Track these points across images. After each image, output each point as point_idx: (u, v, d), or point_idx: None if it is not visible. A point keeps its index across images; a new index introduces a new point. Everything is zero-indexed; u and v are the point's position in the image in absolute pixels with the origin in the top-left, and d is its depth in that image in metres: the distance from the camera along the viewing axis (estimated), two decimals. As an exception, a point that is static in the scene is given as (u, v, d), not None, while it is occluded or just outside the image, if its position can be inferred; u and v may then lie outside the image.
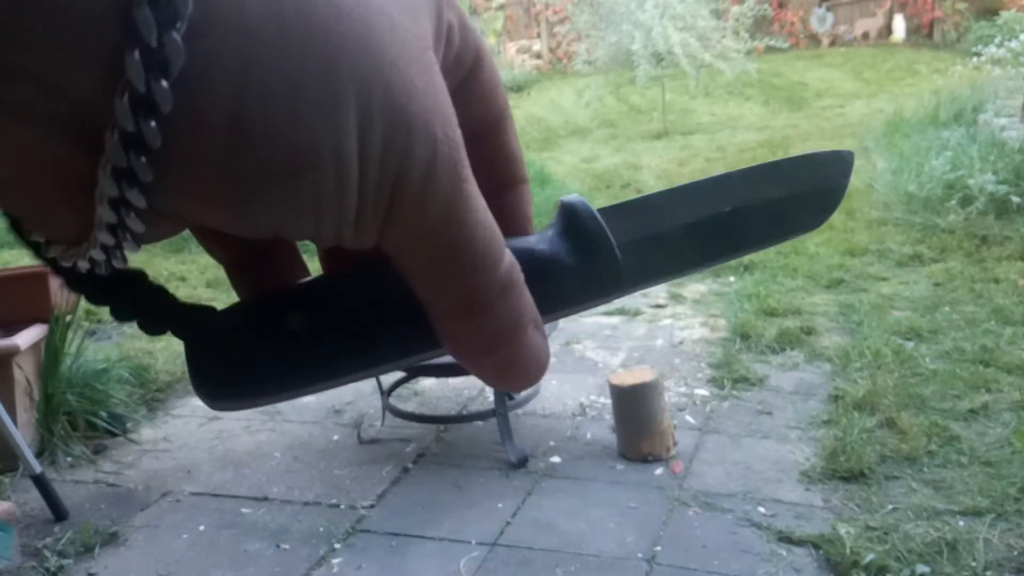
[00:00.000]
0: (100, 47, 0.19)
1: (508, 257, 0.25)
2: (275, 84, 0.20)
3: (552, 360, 3.08)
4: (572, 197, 0.30)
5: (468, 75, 0.27)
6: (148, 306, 0.25)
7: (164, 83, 0.19)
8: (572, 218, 0.29)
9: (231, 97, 0.20)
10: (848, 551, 2.25)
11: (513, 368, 0.26)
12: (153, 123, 0.20)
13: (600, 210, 0.29)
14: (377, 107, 0.22)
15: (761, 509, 2.51)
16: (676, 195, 0.32)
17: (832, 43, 13.24)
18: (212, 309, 0.26)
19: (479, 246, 0.24)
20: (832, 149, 0.35)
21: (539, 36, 14.27)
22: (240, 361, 0.25)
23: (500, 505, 2.61)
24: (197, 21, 0.19)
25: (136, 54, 0.19)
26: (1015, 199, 4.99)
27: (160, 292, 0.26)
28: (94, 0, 0.19)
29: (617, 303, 4.43)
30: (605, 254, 0.29)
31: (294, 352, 0.25)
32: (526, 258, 0.27)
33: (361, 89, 0.21)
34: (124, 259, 0.23)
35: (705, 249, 0.32)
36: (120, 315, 0.25)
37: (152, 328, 0.25)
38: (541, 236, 0.29)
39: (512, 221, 0.30)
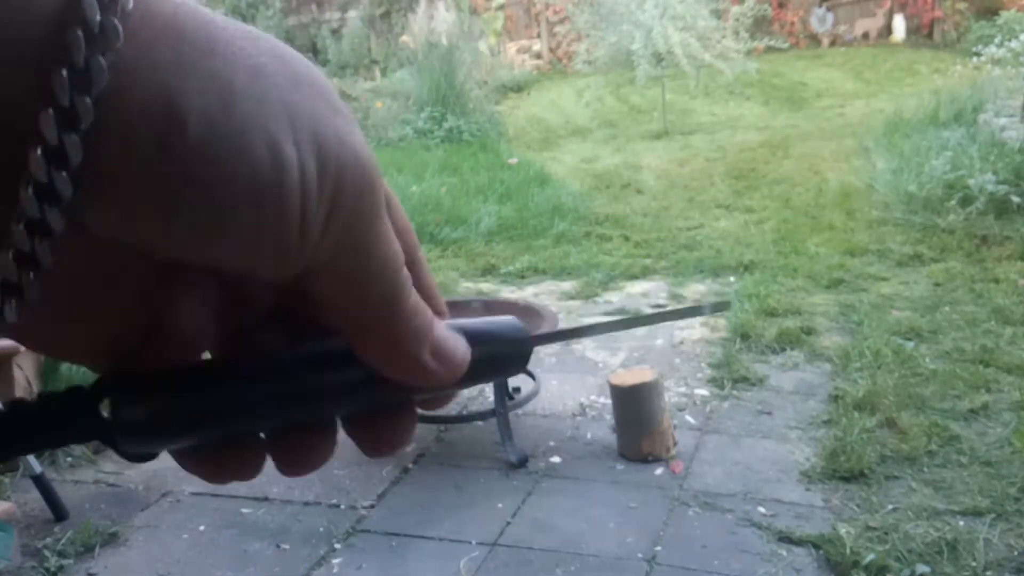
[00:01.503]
0: (26, 66, 0.20)
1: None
2: (207, 77, 0.22)
3: (552, 360, 3.05)
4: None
5: None
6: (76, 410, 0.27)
7: (88, 100, 0.20)
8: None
9: (166, 84, 0.21)
10: (848, 551, 2.25)
11: (440, 357, 0.29)
12: (75, 136, 0.20)
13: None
14: (310, 126, 0.23)
15: (761, 509, 2.51)
16: None
17: (832, 43, 13.23)
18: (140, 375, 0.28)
19: (392, 251, 0.27)
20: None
21: (539, 36, 14.26)
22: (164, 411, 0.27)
23: (500, 505, 2.61)
24: (135, 20, 0.21)
25: (64, 72, 0.20)
26: (1015, 199, 4.99)
27: (75, 390, 0.27)
28: (29, 21, 0.20)
29: (617, 303, 4.43)
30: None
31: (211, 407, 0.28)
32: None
33: (291, 109, 0.23)
34: (23, 302, 0.22)
35: None
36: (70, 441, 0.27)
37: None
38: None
39: None
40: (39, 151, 0.20)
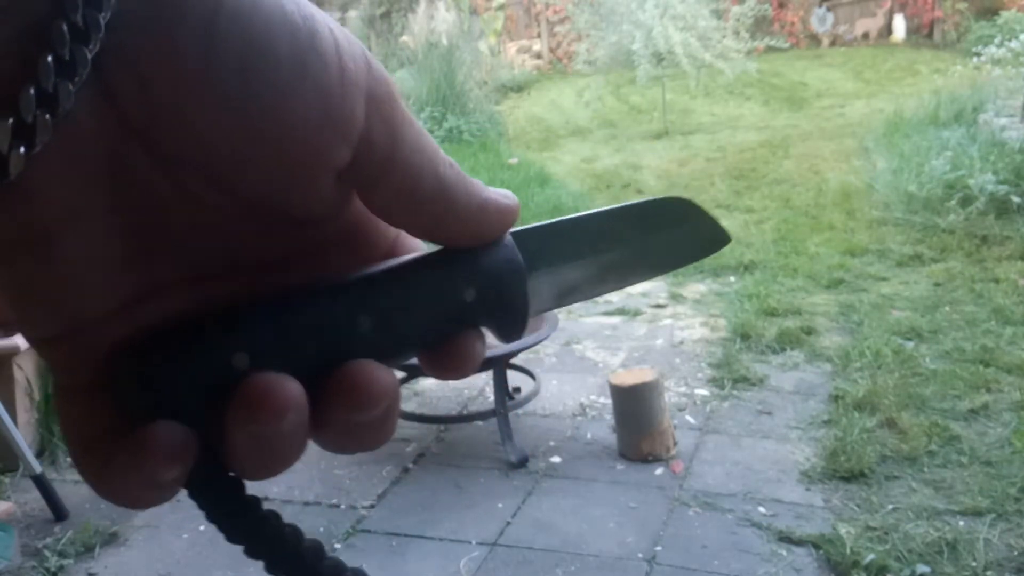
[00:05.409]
0: None
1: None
2: None
3: (552, 360, 3.04)
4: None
5: None
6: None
7: None
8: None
9: None
10: (848, 551, 2.25)
11: (501, 193, 0.30)
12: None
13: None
14: (331, 25, 0.25)
15: (761, 509, 2.51)
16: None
17: (832, 43, 13.23)
18: None
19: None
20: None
21: (539, 36, 14.26)
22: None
23: (500, 505, 2.61)
24: None
25: None
26: (1015, 199, 4.99)
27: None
28: None
29: (617, 303, 4.43)
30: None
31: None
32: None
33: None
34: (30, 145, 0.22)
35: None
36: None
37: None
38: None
39: None
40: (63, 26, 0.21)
